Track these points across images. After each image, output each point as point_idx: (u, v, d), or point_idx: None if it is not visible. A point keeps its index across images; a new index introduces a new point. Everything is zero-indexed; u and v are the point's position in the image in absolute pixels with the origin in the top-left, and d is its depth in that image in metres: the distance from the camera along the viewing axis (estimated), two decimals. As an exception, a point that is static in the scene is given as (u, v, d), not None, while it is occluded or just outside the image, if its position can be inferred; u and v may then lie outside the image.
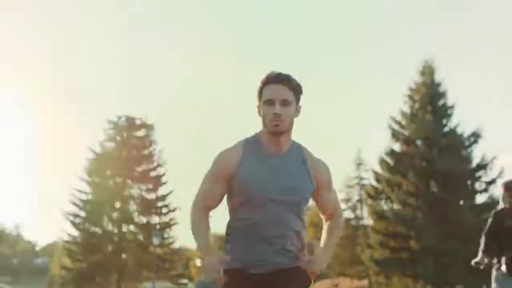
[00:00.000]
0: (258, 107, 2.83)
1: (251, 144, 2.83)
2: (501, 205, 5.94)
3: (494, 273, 5.79)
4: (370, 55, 72.79)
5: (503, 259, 5.67)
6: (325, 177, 2.88)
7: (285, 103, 2.73)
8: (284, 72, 2.82)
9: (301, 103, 2.85)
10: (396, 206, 28.47)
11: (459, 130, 28.59)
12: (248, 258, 2.81)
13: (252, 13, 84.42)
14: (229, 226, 2.90)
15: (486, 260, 5.81)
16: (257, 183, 2.74)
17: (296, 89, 2.79)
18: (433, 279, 26.57)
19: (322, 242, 3.02)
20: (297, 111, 2.82)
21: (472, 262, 5.95)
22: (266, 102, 2.75)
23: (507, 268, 5.60)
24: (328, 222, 3.02)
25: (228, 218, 2.93)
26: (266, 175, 2.76)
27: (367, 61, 72.67)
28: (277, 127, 2.73)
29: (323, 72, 76.37)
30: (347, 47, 78.34)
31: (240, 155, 2.81)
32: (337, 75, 76.26)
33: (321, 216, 3.03)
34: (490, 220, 5.86)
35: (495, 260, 5.78)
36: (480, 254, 5.84)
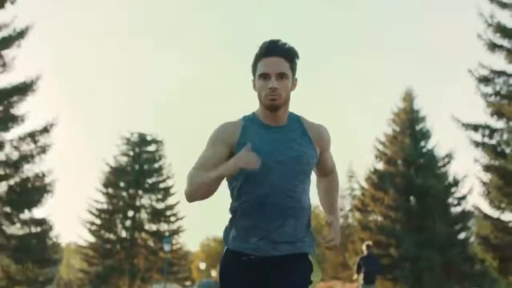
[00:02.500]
0: (253, 81, 2.82)
1: (250, 119, 2.86)
2: (363, 253, 12.97)
3: (359, 284, 12.54)
4: (369, 69, 78.03)
5: (361, 276, 12.59)
6: (326, 141, 2.93)
7: (281, 76, 2.72)
8: (280, 41, 2.78)
9: (297, 75, 2.83)
10: (379, 218, 34.04)
11: (435, 151, 34.07)
12: (256, 238, 2.77)
13: (255, 15, 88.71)
14: (233, 207, 2.86)
15: (358, 277, 12.70)
16: (262, 153, 2.70)
17: (293, 60, 2.78)
18: (410, 282, 32.02)
19: (326, 205, 3.15)
20: (294, 84, 2.81)
21: (353, 278, 12.35)
22: (261, 75, 2.74)
23: (363, 281, 12.52)
24: (325, 179, 3.14)
25: (230, 200, 2.89)
26: (270, 145, 2.76)
27: (366, 73, 78.01)
28: (273, 102, 2.72)
29: (323, 81, 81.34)
30: (349, 55, 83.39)
31: (241, 126, 2.82)
32: (336, 87, 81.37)
33: (316, 173, 3.10)
34: (358, 260, 12.79)
35: (360, 277, 12.60)
36: (355, 275, 12.79)
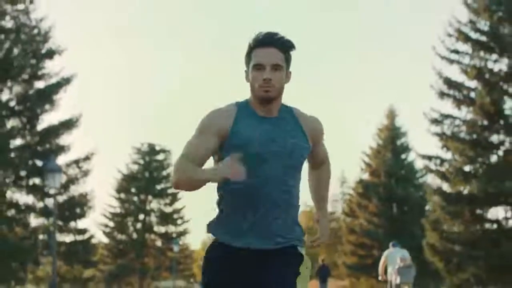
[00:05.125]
0: (246, 72, 2.86)
1: (243, 107, 2.88)
2: (320, 263, 20.34)
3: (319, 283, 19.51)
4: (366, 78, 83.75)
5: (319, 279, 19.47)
6: (319, 133, 2.99)
7: (275, 68, 2.77)
8: (275, 32, 2.83)
9: (291, 68, 2.88)
10: (364, 223, 40.81)
11: (414, 164, 40.70)
12: (242, 227, 2.81)
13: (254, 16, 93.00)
14: (220, 195, 2.91)
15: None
16: (256, 142, 2.78)
17: (288, 52, 2.84)
18: (391, 279, 38.77)
19: (316, 198, 3.18)
20: (288, 76, 2.87)
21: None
22: (255, 66, 2.79)
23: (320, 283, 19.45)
24: (316, 170, 3.16)
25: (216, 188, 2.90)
26: (264, 135, 2.80)
27: (365, 73, 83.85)
28: (267, 93, 2.77)
29: (321, 81, 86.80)
30: (349, 56, 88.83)
31: (234, 114, 2.85)
32: (334, 88, 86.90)
33: (309, 164, 3.13)
34: (317, 269, 19.88)
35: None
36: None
